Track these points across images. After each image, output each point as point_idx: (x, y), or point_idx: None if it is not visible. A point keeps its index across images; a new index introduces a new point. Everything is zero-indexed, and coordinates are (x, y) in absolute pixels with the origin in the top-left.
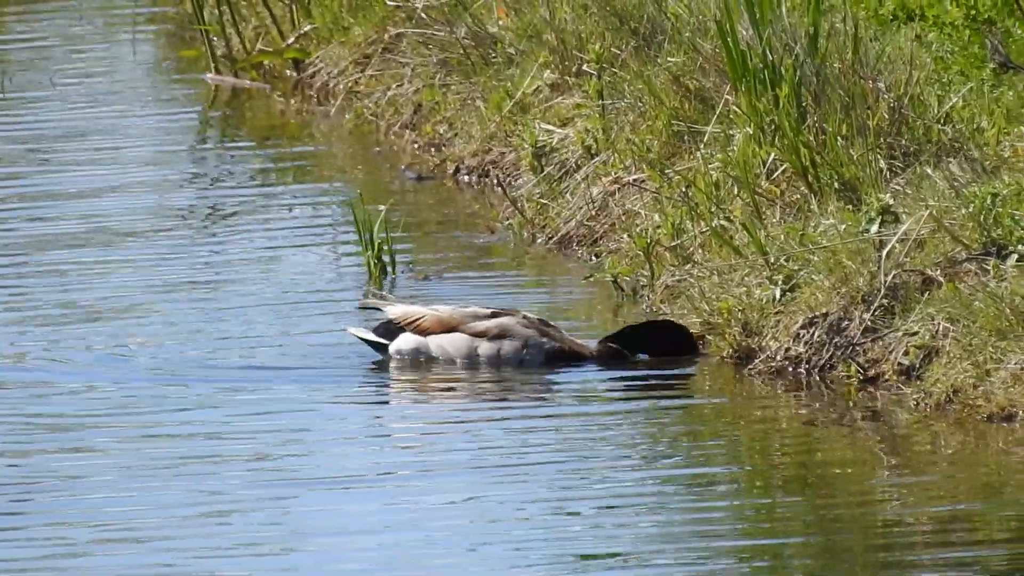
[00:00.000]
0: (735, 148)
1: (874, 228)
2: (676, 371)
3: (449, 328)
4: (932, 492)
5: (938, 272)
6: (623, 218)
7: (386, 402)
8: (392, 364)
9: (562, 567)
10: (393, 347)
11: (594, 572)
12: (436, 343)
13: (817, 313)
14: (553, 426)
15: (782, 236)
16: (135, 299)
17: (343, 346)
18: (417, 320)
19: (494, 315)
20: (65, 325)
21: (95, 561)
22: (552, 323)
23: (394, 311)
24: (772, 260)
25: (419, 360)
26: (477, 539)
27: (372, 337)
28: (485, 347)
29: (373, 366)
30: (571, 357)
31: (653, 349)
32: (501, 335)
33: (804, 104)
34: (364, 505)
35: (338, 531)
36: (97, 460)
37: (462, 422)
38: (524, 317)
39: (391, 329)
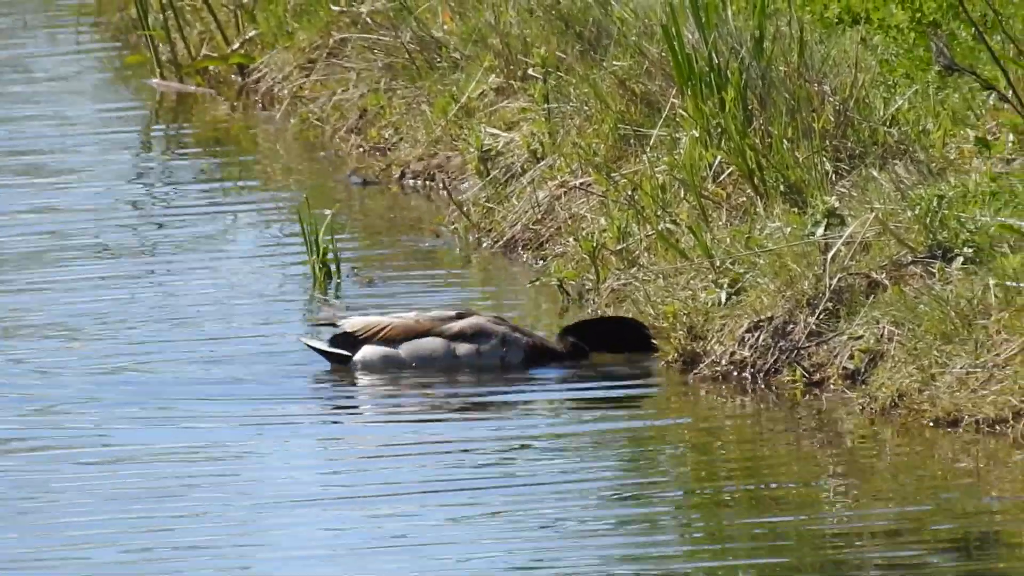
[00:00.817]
0: (681, 151)
1: (820, 231)
2: (621, 374)
3: (419, 334)
4: (878, 497)
5: (883, 275)
6: (569, 222)
7: (334, 414)
8: (356, 373)
9: None
10: (358, 357)
11: (532, 566)
12: (410, 349)
13: (762, 317)
14: (493, 438)
15: (728, 239)
16: (77, 307)
17: (290, 353)
18: (382, 330)
19: (459, 316)
20: (7, 339)
21: None
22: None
23: (351, 323)
24: (718, 263)
25: (388, 370)
26: (421, 560)
27: (331, 348)
28: (464, 348)
29: (321, 375)
30: (547, 354)
31: (612, 346)
32: (477, 335)
33: (750, 107)
34: (316, 525)
35: (289, 551)
36: (31, 477)
37: (415, 443)
38: (490, 316)
39: (350, 340)
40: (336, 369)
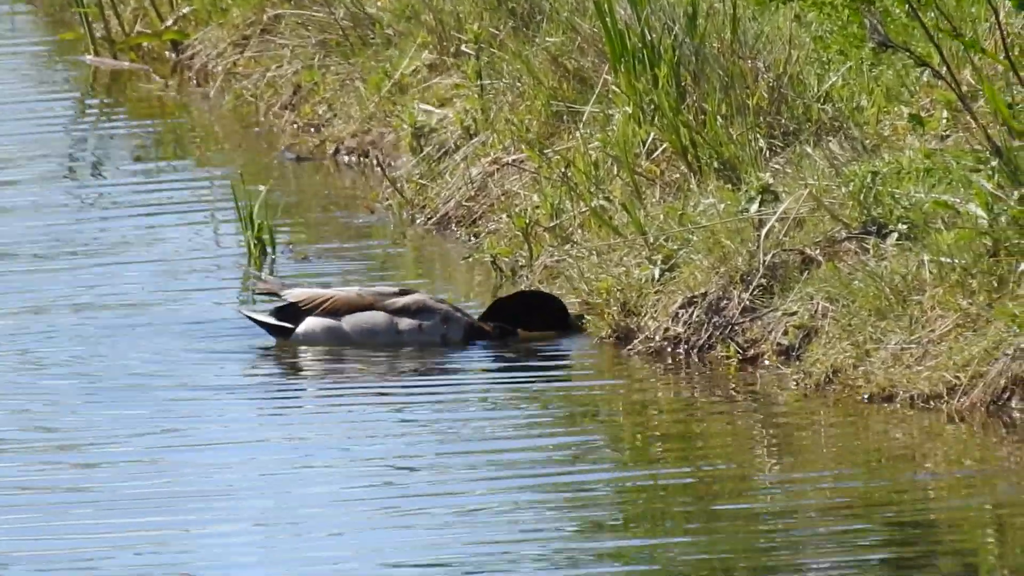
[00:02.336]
0: (614, 128)
1: (753, 207)
2: (554, 351)
3: (363, 307)
4: (812, 472)
5: (817, 251)
6: (502, 198)
7: (269, 388)
8: (298, 346)
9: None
10: (301, 329)
11: (465, 568)
12: (352, 322)
13: (696, 293)
14: (430, 412)
15: (661, 216)
16: (6, 283)
17: (225, 328)
18: (325, 301)
19: (402, 292)
20: None
21: None
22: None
23: (295, 295)
24: (651, 240)
25: (328, 342)
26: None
27: (272, 320)
28: (406, 323)
29: (256, 349)
30: (482, 333)
31: (527, 323)
32: (420, 311)
33: (683, 84)
34: (249, 498)
35: (223, 523)
36: None
37: (347, 410)
38: (430, 294)
39: (292, 313)
40: (278, 343)
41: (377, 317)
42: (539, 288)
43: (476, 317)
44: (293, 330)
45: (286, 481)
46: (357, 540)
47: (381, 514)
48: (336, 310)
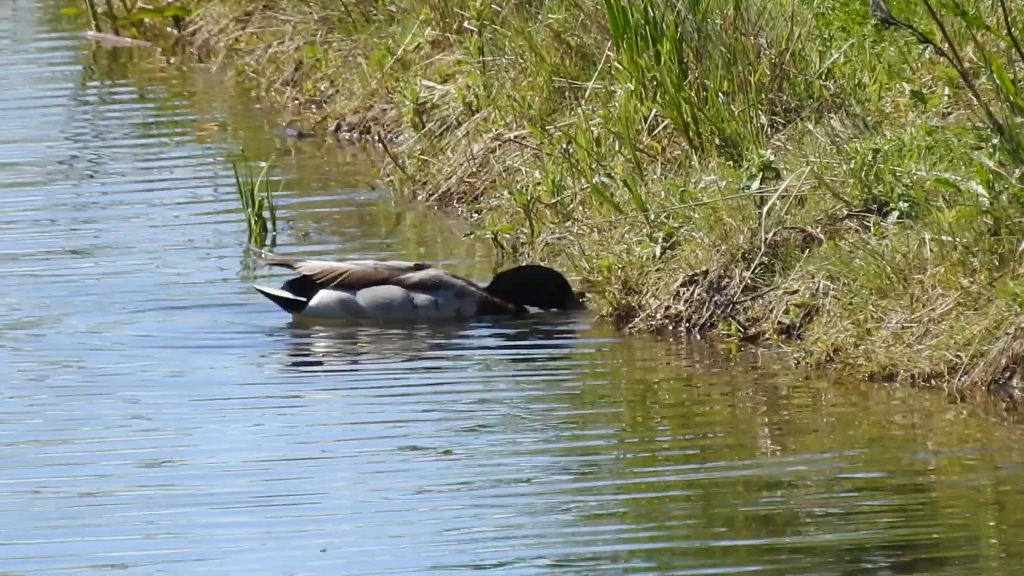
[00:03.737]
0: (616, 104)
1: (755, 185)
2: (555, 329)
3: (378, 281)
4: (813, 451)
5: (819, 229)
6: (504, 175)
7: (272, 366)
8: (310, 320)
9: (437, 541)
10: (315, 302)
11: (467, 545)
12: (368, 297)
13: (697, 271)
14: (431, 392)
15: (663, 193)
16: (7, 257)
17: (225, 305)
18: (340, 275)
19: (418, 267)
20: None
21: None
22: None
23: (309, 267)
24: (653, 217)
25: (343, 316)
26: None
27: (285, 294)
28: (422, 298)
29: (259, 324)
30: (496, 308)
31: (531, 299)
32: (436, 286)
33: (685, 60)
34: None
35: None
36: None
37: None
38: (444, 270)
39: (304, 286)
40: (291, 318)
41: (394, 291)
42: (540, 264)
43: (487, 286)
44: (306, 303)
45: (296, 456)
46: (371, 519)
47: (394, 492)
48: (351, 283)
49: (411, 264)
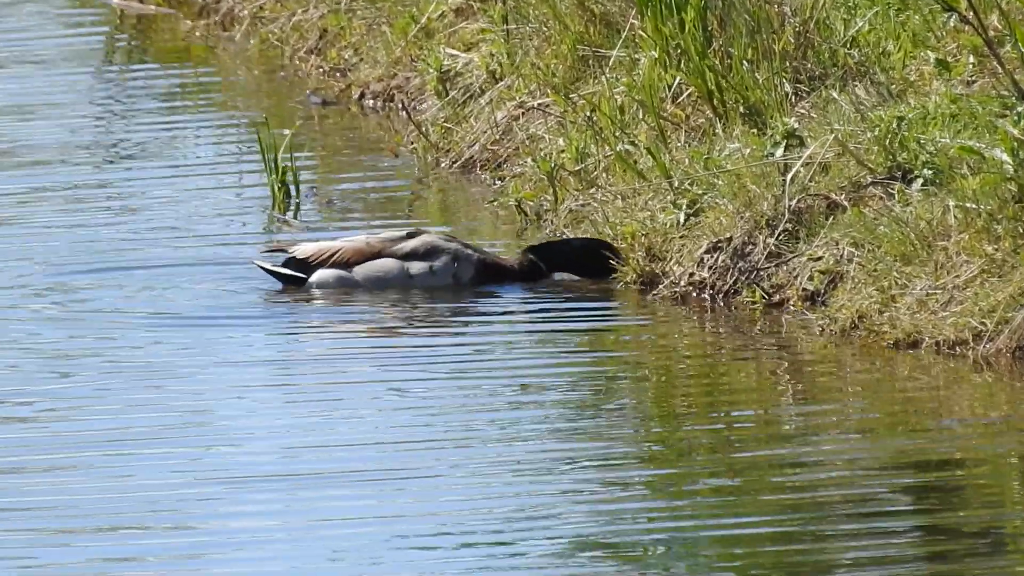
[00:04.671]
0: (640, 72)
1: (779, 152)
2: (579, 296)
3: (372, 256)
4: (837, 417)
5: (843, 196)
6: (527, 142)
7: (291, 332)
8: (312, 296)
9: (465, 498)
10: (314, 279)
11: (494, 503)
12: (363, 272)
13: (721, 238)
14: (453, 354)
15: (687, 160)
16: (33, 228)
17: (248, 273)
18: (334, 254)
19: (410, 236)
20: None
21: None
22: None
23: (303, 250)
24: (676, 184)
25: (342, 292)
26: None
27: (285, 271)
28: (417, 267)
29: (278, 294)
30: (498, 270)
31: (577, 268)
32: (429, 253)
33: (710, 28)
34: (270, 440)
35: (243, 465)
36: None
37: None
38: (441, 234)
39: (302, 267)
40: (291, 290)
41: (388, 264)
42: (575, 233)
43: (524, 248)
44: (306, 280)
45: (308, 428)
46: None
47: (411, 462)
48: (346, 261)
49: (403, 233)
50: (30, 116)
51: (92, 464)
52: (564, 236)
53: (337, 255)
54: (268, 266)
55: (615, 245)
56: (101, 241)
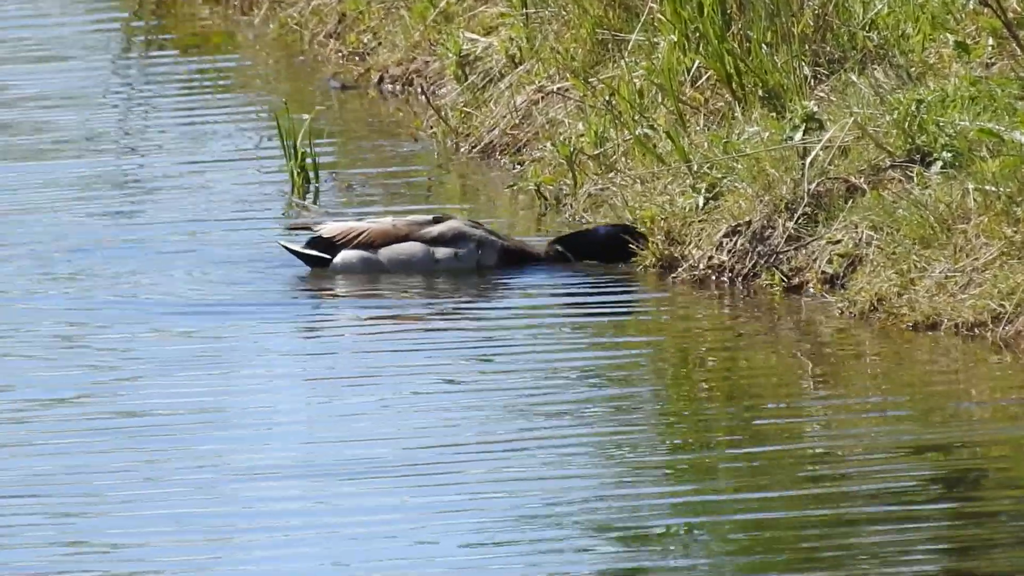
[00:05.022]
0: (659, 56)
1: (798, 136)
2: (599, 280)
3: (398, 238)
4: (856, 400)
5: (862, 180)
6: (546, 127)
7: (314, 315)
8: (336, 277)
9: (485, 476)
10: (338, 260)
11: (513, 484)
12: (388, 254)
13: (740, 221)
14: (474, 337)
15: (706, 144)
16: (55, 212)
17: (268, 257)
18: (360, 234)
19: (436, 220)
20: None
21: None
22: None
23: (329, 229)
24: (695, 168)
25: (366, 273)
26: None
27: (310, 251)
28: (442, 252)
29: (300, 278)
30: (523, 257)
31: (604, 255)
32: (455, 239)
33: (728, 11)
34: (295, 419)
35: (267, 448)
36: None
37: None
38: (466, 220)
39: (329, 243)
40: (316, 272)
41: (414, 248)
42: (585, 221)
43: (552, 239)
44: (330, 261)
45: (329, 409)
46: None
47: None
48: (371, 242)
49: (430, 218)
50: (50, 103)
51: (116, 448)
52: (589, 225)
53: (363, 236)
54: (293, 247)
55: (637, 228)
56: (119, 227)
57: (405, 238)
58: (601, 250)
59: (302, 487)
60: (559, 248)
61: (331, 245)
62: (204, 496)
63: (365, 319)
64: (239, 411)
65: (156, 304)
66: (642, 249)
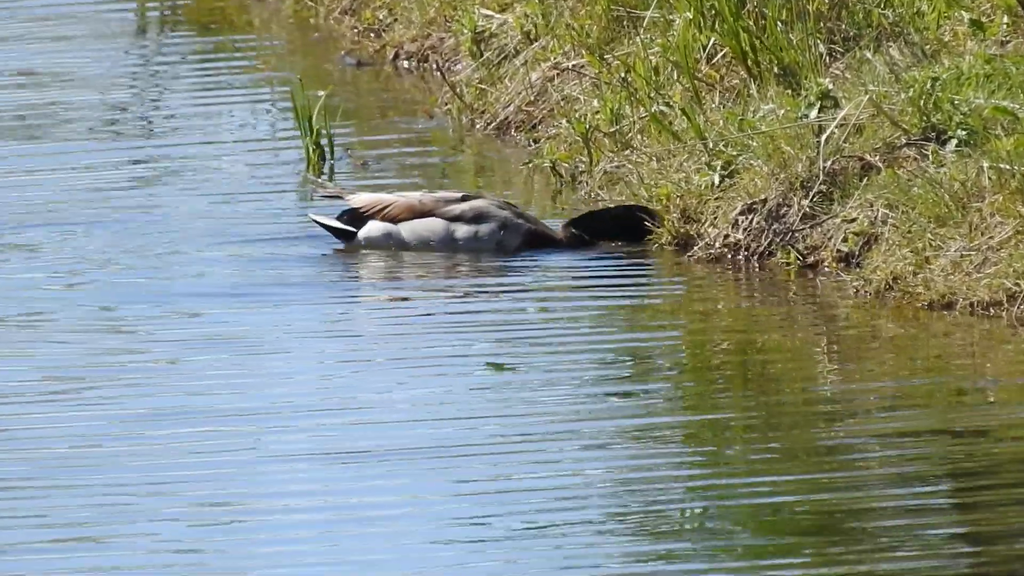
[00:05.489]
0: (675, 33)
1: (813, 113)
2: (615, 258)
3: (422, 214)
4: (872, 379)
5: (877, 158)
6: (562, 104)
7: (332, 291)
8: (361, 250)
9: (499, 457)
10: (362, 233)
11: (527, 465)
12: (410, 229)
13: (756, 199)
14: (490, 320)
15: (721, 121)
16: (71, 193)
17: (283, 232)
18: (386, 207)
19: (464, 199)
20: None
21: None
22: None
23: (358, 200)
24: (711, 146)
25: (388, 247)
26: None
27: (338, 224)
28: (463, 230)
29: (316, 253)
30: (545, 240)
31: (618, 234)
32: (477, 218)
33: None
34: (322, 395)
35: (295, 423)
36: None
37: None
38: (495, 199)
39: (355, 217)
40: (342, 247)
41: (435, 224)
42: (600, 199)
43: (566, 222)
44: (355, 234)
45: (346, 388)
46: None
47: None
48: (396, 216)
49: (459, 195)
50: (61, 81)
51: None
52: (601, 205)
53: (388, 208)
54: (322, 220)
55: (651, 207)
56: (130, 205)
57: (429, 214)
58: (615, 229)
59: (320, 473)
60: (574, 231)
61: (359, 217)
62: (243, 479)
63: (385, 299)
64: (254, 396)
65: (169, 280)
66: (657, 227)
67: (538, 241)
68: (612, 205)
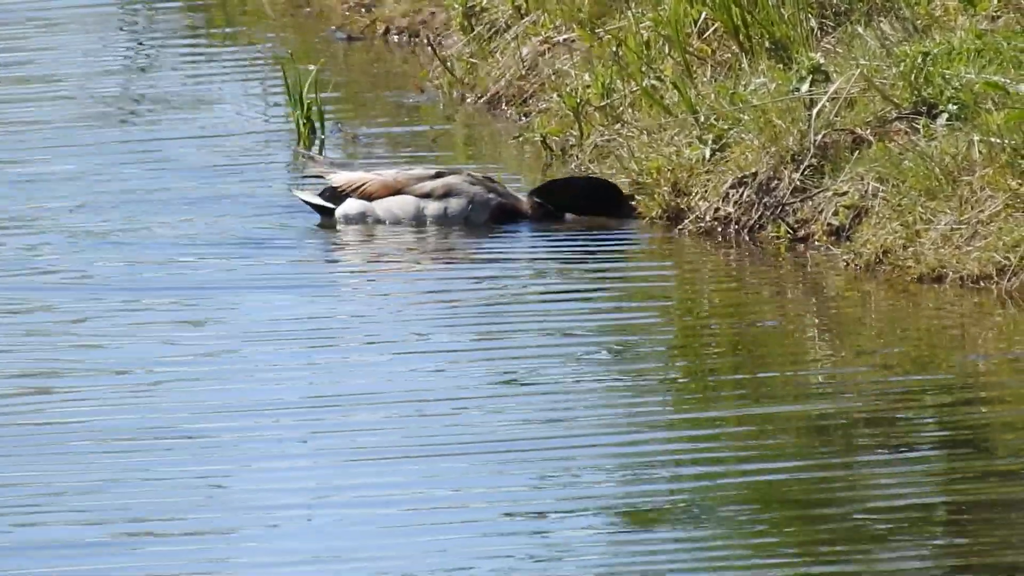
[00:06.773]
0: (666, 7)
1: (804, 87)
2: (604, 232)
3: (395, 191)
4: (862, 352)
5: (868, 131)
6: (553, 78)
7: (317, 266)
8: (336, 227)
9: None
10: (339, 211)
11: (516, 441)
12: (383, 207)
13: (747, 173)
14: (475, 297)
15: (712, 95)
16: (61, 161)
17: (273, 207)
18: (362, 185)
19: (438, 175)
20: None
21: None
22: (496, 179)
23: (338, 178)
24: (702, 119)
25: (365, 224)
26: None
27: (318, 201)
28: (432, 207)
29: (301, 227)
30: (514, 214)
31: (581, 207)
32: (447, 194)
33: None
34: (299, 371)
35: (270, 398)
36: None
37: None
38: (469, 175)
39: (336, 195)
40: (322, 223)
41: (406, 202)
42: (591, 171)
43: (528, 192)
44: (334, 211)
45: (330, 361)
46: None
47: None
48: (371, 194)
49: (433, 172)
50: (52, 56)
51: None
52: (568, 176)
53: (364, 187)
54: (304, 196)
55: (628, 180)
56: (119, 177)
57: (401, 191)
58: (579, 201)
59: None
60: (536, 200)
61: (339, 194)
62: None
63: (365, 275)
64: (235, 360)
65: (155, 250)
66: (619, 202)
67: (505, 216)
68: (576, 176)
